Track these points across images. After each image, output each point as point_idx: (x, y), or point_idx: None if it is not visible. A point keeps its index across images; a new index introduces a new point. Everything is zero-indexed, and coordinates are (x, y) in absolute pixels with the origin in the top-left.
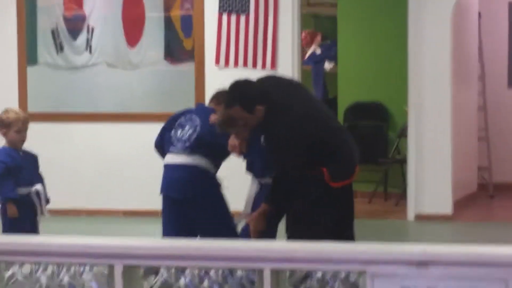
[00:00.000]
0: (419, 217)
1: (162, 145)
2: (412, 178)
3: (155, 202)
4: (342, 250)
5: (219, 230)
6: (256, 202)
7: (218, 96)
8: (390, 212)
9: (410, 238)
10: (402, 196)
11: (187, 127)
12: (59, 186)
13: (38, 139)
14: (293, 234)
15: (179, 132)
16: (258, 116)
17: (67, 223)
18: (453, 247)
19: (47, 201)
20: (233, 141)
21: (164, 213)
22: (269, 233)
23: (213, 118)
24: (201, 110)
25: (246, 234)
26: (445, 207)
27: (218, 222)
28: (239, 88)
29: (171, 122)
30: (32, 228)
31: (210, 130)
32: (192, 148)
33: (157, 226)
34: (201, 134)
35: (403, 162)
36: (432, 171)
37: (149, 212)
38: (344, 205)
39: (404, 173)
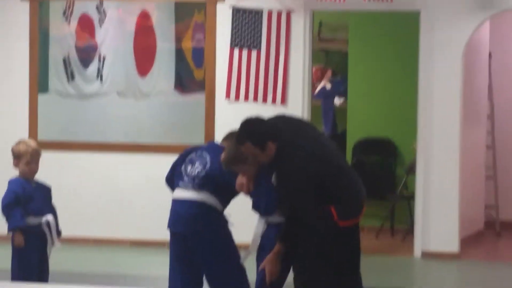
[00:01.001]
0: (426, 255)
1: (172, 179)
2: (419, 214)
3: (162, 233)
4: None
5: (224, 267)
6: (263, 241)
7: (231, 136)
8: (397, 248)
9: (417, 276)
10: (408, 231)
11: (197, 164)
12: (67, 215)
13: (48, 167)
14: (301, 277)
15: (189, 168)
16: (269, 154)
17: (74, 251)
18: None
19: (59, 232)
20: (241, 179)
21: (171, 248)
22: (282, 274)
23: (223, 156)
24: (212, 148)
25: (261, 278)
26: (452, 244)
27: (224, 260)
28: (251, 124)
29: (182, 157)
30: (41, 259)
31: (220, 169)
32: (200, 185)
33: (163, 257)
34: (210, 172)
35: (410, 198)
36: (439, 208)
37: (156, 243)
38: (352, 244)
39: (411, 209)
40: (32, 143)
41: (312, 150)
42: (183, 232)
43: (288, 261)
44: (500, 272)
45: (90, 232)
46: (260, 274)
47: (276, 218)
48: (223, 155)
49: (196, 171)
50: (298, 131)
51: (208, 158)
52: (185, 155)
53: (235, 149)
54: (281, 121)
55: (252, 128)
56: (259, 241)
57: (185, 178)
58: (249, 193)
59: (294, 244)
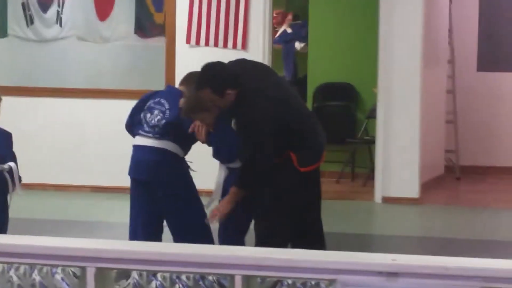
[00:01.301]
0: (387, 199)
1: (132, 127)
2: (380, 159)
3: (123, 179)
4: (313, 259)
5: (186, 214)
6: (225, 187)
7: (189, 79)
8: (358, 193)
9: (377, 221)
10: (369, 176)
11: (156, 112)
12: (27, 160)
13: (7, 113)
14: (261, 223)
15: (148, 116)
16: (228, 100)
17: (34, 197)
18: (423, 259)
19: (19, 179)
20: (194, 125)
21: (132, 195)
22: (245, 220)
23: (182, 102)
24: (170, 93)
25: (224, 225)
26: (412, 190)
27: (186, 207)
28: (211, 70)
29: (141, 104)
30: (2, 205)
31: (179, 115)
32: (161, 133)
33: (124, 203)
34: (170, 119)
35: (371, 143)
36: (399, 153)
37: (117, 189)
38: (312, 189)
39: (372, 154)
40: None
41: (273, 95)
42: (144, 178)
43: (248, 204)
44: (459, 216)
45: (50, 178)
46: (223, 221)
47: (237, 164)
48: (182, 103)
49: (156, 119)
50: (259, 76)
51: (166, 105)
52: (144, 101)
53: (194, 97)
54: (242, 66)
55: (212, 74)
56: (221, 188)
57: (145, 127)
58: (203, 139)
59: (252, 189)
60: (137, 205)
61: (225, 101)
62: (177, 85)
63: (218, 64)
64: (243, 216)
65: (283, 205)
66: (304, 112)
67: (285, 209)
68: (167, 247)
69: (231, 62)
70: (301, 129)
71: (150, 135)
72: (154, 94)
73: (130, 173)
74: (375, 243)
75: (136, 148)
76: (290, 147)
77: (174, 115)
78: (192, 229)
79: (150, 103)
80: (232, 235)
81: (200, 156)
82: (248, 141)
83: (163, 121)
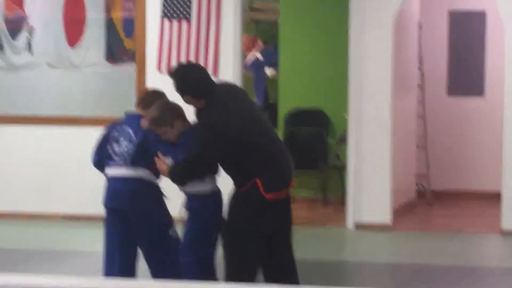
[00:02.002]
0: (359, 226)
1: (101, 161)
2: (352, 185)
3: (93, 207)
4: None
5: (160, 241)
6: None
7: (145, 99)
8: (330, 219)
9: (349, 247)
10: (341, 202)
11: (121, 140)
12: None
13: None
14: (228, 253)
15: (115, 146)
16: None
17: (4, 227)
18: None
19: None
20: (161, 165)
21: (107, 225)
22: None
23: (143, 123)
24: (131, 119)
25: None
26: (384, 215)
27: (159, 232)
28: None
29: (105, 137)
30: None
31: (145, 137)
32: (132, 160)
33: (95, 231)
34: (138, 146)
35: (342, 168)
36: (371, 179)
37: (88, 217)
38: (280, 217)
39: (344, 179)
40: None
41: (240, 111)
42: (121, 207)
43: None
44: (432, 242)
45: (20, 207)
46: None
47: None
48: (150, 115)
49: (124, 147)
50: (233, 95)
51: (130, 131)
52: (107, 134)
53: (159, 111)
54: (224, 85)
55: (191, 82)
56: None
57: (115, 158)
58: (165, 173)
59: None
60: (113, 234)
61: (199, 103)
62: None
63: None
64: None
65: (249, 234)
66: (270, 136)
67: (251, 238)
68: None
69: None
70: (265, 152)
71: (122, 164)
72: (115, 125)
73: (105, 204)
74: (347, 270)
75: (111, 179)
76: (255, 173)
77: (140, 138)
78: (168, 258)
79: (114, 133)
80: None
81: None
82: (198, 141)
83: (131, 147)
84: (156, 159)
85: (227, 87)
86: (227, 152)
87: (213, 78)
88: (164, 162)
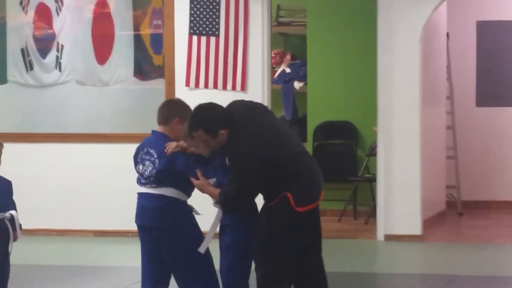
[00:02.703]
0: (389, 237)
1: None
2: (382, 197)
3: (124, 223)
4: None
5: (190, 260)
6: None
7: (167, 117)
8: (360, 231)
9: (380, 259)
10: (371, 214)
11: (147, 163)
12: (29, 206)
13: (8, 159)
14: (260, 266)
15: (141, 167)
16: (220, 139)
17: (36, 243)
18: None
19: (20, 227)
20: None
21: (140, 241)
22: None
23: (168, 148)
24: (156, 140)
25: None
26: (415, 227)
27: (190, 252)
28: (203, 112)
29: (136, 157)
30: (3, 253)
31: (169, 161)
32: (157, 181)
33: (126, 246)
34: (160, 168)
35: (372, 180)
36: (401, 191)
37: (118, 232)
38: (310, 229)
39: (374, 191)
40: None
41: (264, 134)
42: (148, 225)
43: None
44: (462, 253)
45: (52, 224)
46: (225, 260)
47: None
48: (170, 147)
49: (148, 171)
50: (252, 116)
51: (155, 155)
52: (137, 153)
53: (188, 134)
54: (238, 107)
55: (204, 115)
56: (218, 226)
57: (141, 178)
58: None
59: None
60: (144, 250)
61: (218, 141)
62: None
63: (210, 105)
64: (246, 260)
65: (280, 247)
66: (298, 151)
67: (282, 251)
68: None
69: (229, 104)
70: (294, 169)
71: (147, 185)
72: (142, 144)
73: (136, 220)
74: (378, 282)
75: (140, 195)
76: (285, 187)
77: (163, 163)
78: (196, 275)
79: (141, 154)
80: (235, 277)
81: (205, 198)
82: (234, 176)
83: (154, 171)
84: (194, 181)
85: (244, 109)
86: (263, 174)
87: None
88: (208, 183)
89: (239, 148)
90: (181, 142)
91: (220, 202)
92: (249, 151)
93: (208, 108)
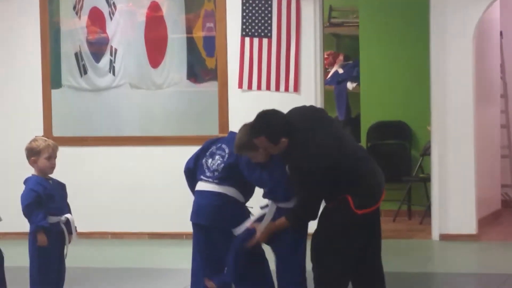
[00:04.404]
0: (444, 237)
1: (193, 170)
2: (436, 196)
3: (179, 225)
4: None
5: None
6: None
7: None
8: (415, 231)
9: (436, 259)
10: (426, 214)
11: (217, 157)
12: (84, 209)
13: (63, 163)
14: (317, 267)
15: (209, 161)
16: (281, 147)
17: (92, 246)
18: None
19: (75, 229)
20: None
21: (193, 239)
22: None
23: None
24: (231, 139)
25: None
26: (470, 226)
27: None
28: (267, 119)
29: (204, 150)
30: (59, 256)
31: (238, 161)
32: (221, 178)
33: (181, 249)
34: (229, 164)
35: (426, 180)
36: (455, 190)
37: (174, 235)
38: (370, 230)
39: (428, 191)
40: (49, 139)
41: (326, 142)
42: (205, 223)
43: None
44: None
45: (107, 227)
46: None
47: (288, 204)
48: (235, 141)
49: (216, 164)
50: (312, 123)
51: (227, 150)
52: (207, 147)
53: (247, 138)
54: (297, 114)
55: (267, 123)
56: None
57: (207, 172)
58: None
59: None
60: (198, 250)
61: (278, 148)
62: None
63: (273, 112)
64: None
65: (338, 249)
66: (359, 155)
67: (340, 252)
68: None
69: (288, 111)
70: (356, 173)
71: (210, 180)
72: (216, 141)
73: (191, 218)
74: (433, 281)
75: (198, 193)
76: (346, 190)
77: (232, 159)
78: (251, 275)
79: (212, 148)
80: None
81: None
82: (299, 185)
83: (222, 165)
84: (257, 237)
85: (304, 118)
86: (325, 182)
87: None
88: (264, 226)
89: (300, 159)
90: None
91: (293, 223)
92: (310, 163)
93: (271, 115)
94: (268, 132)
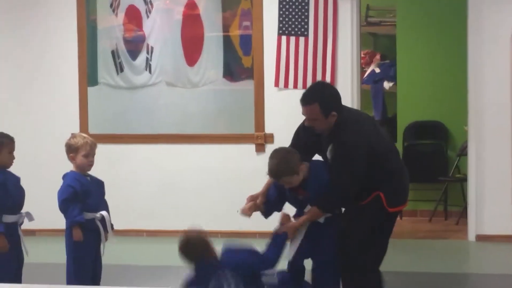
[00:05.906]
0: (480, 237)
1: None
2: (473, 197)
3: (214, 223)
4: None
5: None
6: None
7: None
8: (451, 232)
9: (472, 260)
10: (462, 214)
11: None
12: (120, 207)
13: (99, 161)
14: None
15: None
16: (329, 122)
17: (128, 244)
18: None
19: (112, 227)
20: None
21: None
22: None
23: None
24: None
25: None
26: (507, 227)
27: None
28: (322, 88)
29: None
30: (95, 253)
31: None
32: None
33: (217, 247)
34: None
35: (463, 180)
36: (492, 191)
37: (209, 233)
38: (391, 227)
39: (464, 191)
40: (87, 136)
41: (369, 129)
42: None
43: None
44: None
45: (143, 224)
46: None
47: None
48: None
49: None
50: (356, 111)
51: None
52: None
53: (284, 160)
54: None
55: (322, 92)
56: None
57: None
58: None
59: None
60: None
61: (326, 122)
62: None
63: (328, 84)
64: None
65: (372, 244)
66: (394, 152)
67: (375, 247)
68: None
69: None
70: (390, 168)
71: None
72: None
73: None
74: (470, 282)
75: None
76: (379, 186)
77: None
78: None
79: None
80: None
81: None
82: (341, 166)
83: None
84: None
85: (353, 109)
86: (368, 164)
87: None
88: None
89: (348, 136)
90: None
91: (326, 209)
92: (359, 141)
93: (327, 86)
94: (323, 100)
